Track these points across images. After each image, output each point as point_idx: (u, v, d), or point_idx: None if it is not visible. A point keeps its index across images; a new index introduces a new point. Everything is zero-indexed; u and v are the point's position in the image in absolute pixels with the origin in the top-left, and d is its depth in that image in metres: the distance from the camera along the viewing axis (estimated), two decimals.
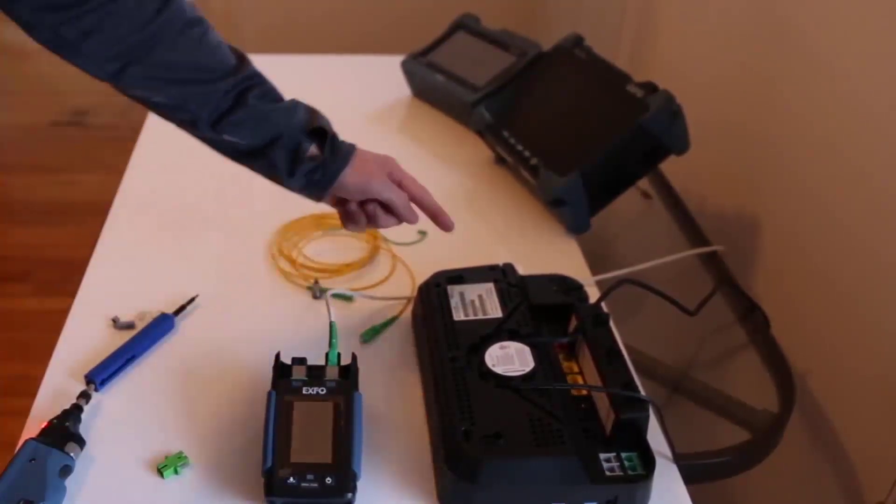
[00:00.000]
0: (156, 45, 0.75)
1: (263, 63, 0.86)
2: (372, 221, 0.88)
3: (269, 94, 0.82)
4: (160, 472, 0.76)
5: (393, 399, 0.86)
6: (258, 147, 0.82)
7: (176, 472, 0.76)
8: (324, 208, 1.13)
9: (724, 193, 1.28)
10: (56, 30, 0.71)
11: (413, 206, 0.88)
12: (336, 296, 0.98)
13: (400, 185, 0.87)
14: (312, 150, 0.83)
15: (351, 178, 0.84)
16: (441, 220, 0.89)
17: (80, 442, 0.76)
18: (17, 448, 0.73)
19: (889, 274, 0.90)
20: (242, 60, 0.81)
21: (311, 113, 0.84)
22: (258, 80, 0.82)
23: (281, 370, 0.80)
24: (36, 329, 2.00)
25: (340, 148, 0.85)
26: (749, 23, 1.22)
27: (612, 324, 0.86)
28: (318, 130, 0.83)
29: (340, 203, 0.89)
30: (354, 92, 1.49)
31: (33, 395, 0.83)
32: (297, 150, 0.82)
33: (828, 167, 1.01)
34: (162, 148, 1.29)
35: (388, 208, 0.87)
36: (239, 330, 0.94)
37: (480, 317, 0.88)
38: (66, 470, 0.73)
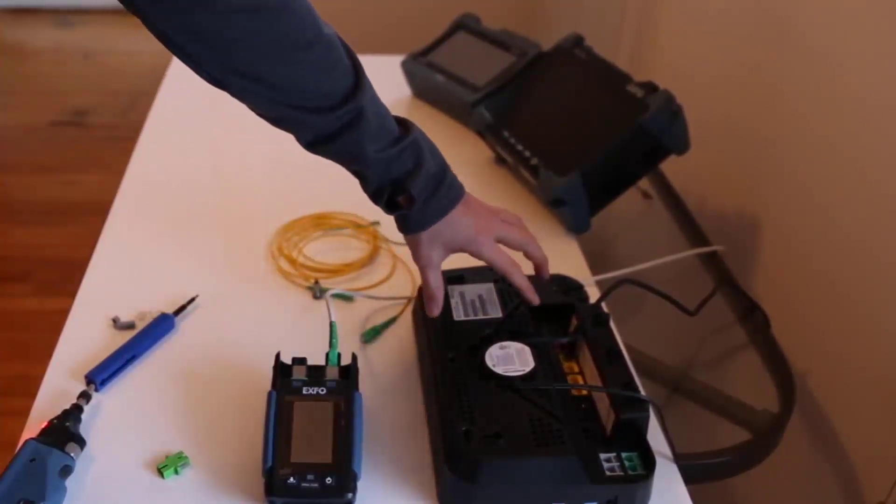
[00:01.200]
0: (261, 64, 0.70)
1: None
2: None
3: (377, 130, 0.76)
4: (160, 472, 0.76)
5: (393, 399, 0.86)
6: (348, 169, 0.80)
7: (176, 472, 0.76)
8: (324, 208, 1.14)
9: (724, 193, 1.28)
10: (164, 31, 0.68)
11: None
12: (336, 296, 0.98)
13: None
14: (399, 198, 0.79)
15: (411, 242, 0.83)
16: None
17: (81, 442, 0.76)
18: (18, 448, 0.73)
19: (889, 274, 0.90)
20: (358, 83, 0.74)
21: (416, 166, 0.78)
22: (369, 108, 0.74)
23: (281, 370, 0.80)
24: (36, 329, 2.00)
25: (429, 209, 0.80)
26: (749, 23, 1.22)
27: (612, 324, 0.87)
28: (407, 193, 0.78)
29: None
30: None
31: (33, 395, 0.83)
32: (378, 193, 0.79)
33: (828, 167, 1.01)
34: (162, 148, 1.29)
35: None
36: (239, 330, 0.94)
37: (480, 317, 0.88)
38: (67, 470, 0.73)
